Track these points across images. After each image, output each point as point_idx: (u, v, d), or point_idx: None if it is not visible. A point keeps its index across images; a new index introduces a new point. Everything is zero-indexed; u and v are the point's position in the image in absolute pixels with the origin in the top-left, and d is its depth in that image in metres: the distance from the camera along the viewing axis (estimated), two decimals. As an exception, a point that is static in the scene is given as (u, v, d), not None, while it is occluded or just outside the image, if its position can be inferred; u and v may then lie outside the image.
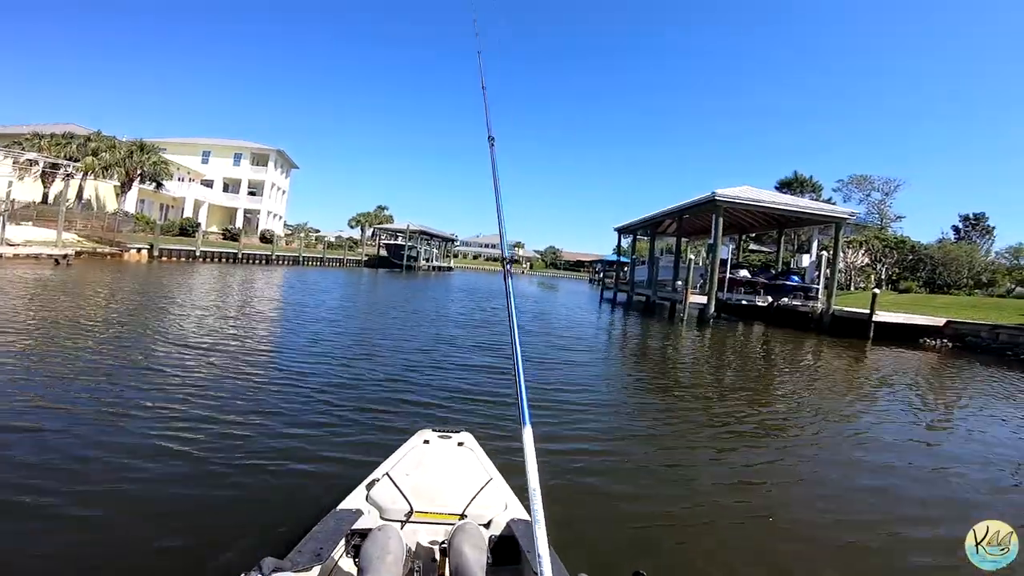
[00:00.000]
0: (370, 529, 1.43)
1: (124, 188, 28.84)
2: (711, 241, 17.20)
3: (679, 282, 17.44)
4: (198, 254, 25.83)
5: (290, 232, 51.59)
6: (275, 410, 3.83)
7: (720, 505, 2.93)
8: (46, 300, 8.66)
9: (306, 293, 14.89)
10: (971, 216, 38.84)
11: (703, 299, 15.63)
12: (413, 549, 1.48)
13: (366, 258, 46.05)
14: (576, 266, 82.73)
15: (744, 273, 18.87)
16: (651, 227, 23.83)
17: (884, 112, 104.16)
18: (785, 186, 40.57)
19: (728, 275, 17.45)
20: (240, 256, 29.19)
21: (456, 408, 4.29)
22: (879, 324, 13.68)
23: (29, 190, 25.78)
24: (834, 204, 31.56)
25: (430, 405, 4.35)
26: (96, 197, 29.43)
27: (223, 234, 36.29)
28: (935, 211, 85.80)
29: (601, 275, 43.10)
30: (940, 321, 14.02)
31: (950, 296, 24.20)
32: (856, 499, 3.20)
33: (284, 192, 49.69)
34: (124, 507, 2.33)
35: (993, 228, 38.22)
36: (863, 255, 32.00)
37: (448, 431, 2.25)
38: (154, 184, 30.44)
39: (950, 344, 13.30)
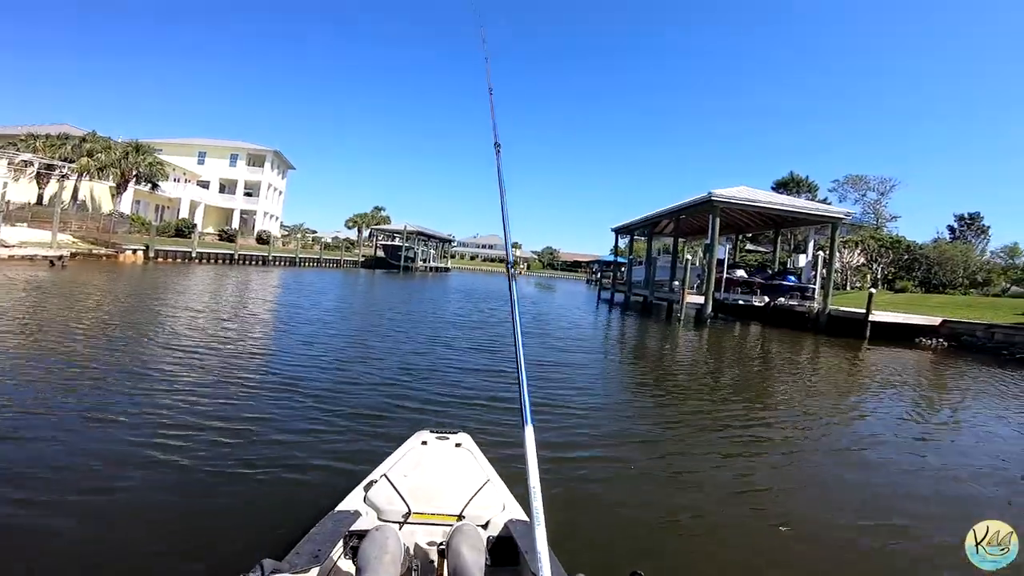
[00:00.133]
0: (368, 530, 1.42)
1: (120, 189, 28.71)
2: (708, 241, 17.25)
3: (676, 282, 17.50)
4: (194, 255, 25.75)
5: (287, 233, 51.51)
6: (271, 414, 3.81)
7: (720, 506, 2.92)
8: (39, 302, 8.60)
9: (302, 295, 14.83)
10: (966, 216, 39.12)
11: (700, 299, 15.67)
12: (411, 550, 1.47)
13: (363, 259, 45.94)
14: (573, 266, 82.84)
15: (741, 273, 18.92)
16: (648, 227, 23.87)
17: (884, 112, 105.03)
18: (781, 186, 40.71)
19: (725, 275, 17.52)
20: (236, 257, 29.10)
21: (453, 413, 4.26)
22: (875, 324, 13.74)
23: (24, 191, 25.67)
24: (830, 204, 31.70)
25: (427, 406, 4.34)
26: (91, 198, 29.34)
27: (219, 235, 36.22)
28: (931, 211, 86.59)
29: (598, 275, 43.18)
30: (936, 321, 14.08)
31: (946, 296, 24.34)
32: (856, 499, 3.20)
33: (280, 193, 49.59)
34: (123, 508, 2.31)
35: (988, 228, 38.56)
36: (859, 255, 32.14)
37: (446, 432, 2.24)
38: (150, 185, 30.30)
39: (946, 343, 13.37)
